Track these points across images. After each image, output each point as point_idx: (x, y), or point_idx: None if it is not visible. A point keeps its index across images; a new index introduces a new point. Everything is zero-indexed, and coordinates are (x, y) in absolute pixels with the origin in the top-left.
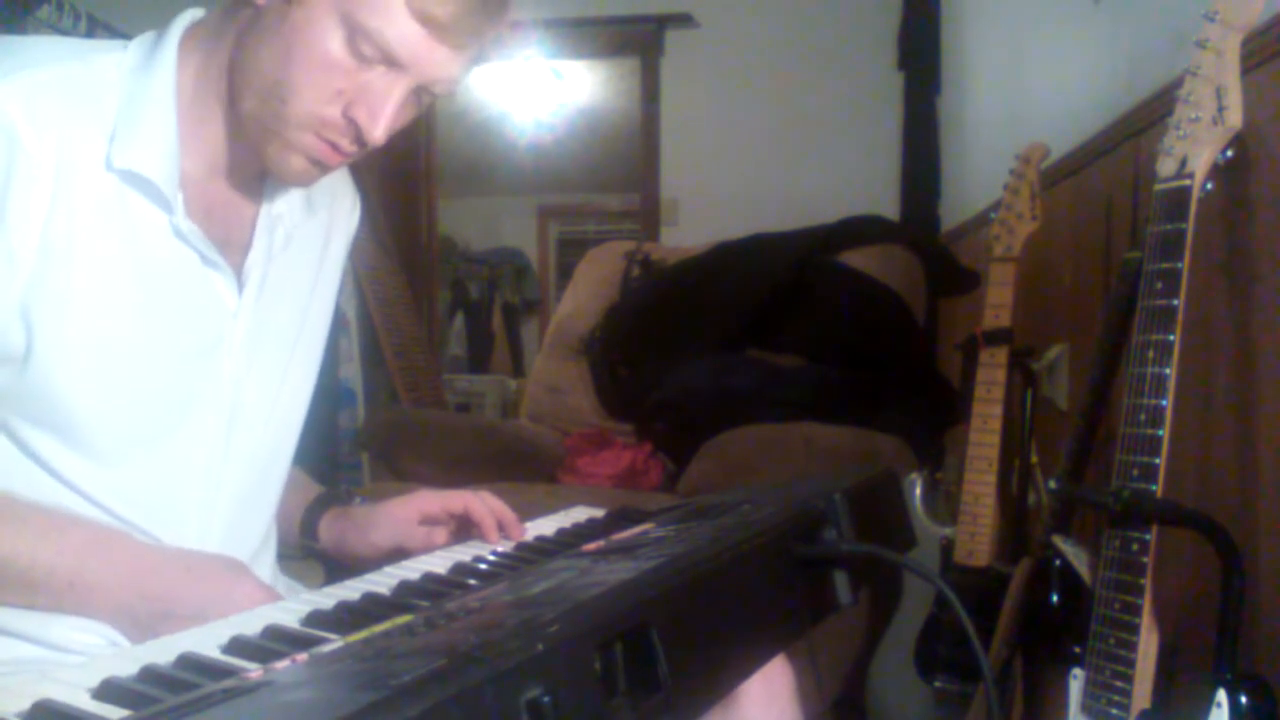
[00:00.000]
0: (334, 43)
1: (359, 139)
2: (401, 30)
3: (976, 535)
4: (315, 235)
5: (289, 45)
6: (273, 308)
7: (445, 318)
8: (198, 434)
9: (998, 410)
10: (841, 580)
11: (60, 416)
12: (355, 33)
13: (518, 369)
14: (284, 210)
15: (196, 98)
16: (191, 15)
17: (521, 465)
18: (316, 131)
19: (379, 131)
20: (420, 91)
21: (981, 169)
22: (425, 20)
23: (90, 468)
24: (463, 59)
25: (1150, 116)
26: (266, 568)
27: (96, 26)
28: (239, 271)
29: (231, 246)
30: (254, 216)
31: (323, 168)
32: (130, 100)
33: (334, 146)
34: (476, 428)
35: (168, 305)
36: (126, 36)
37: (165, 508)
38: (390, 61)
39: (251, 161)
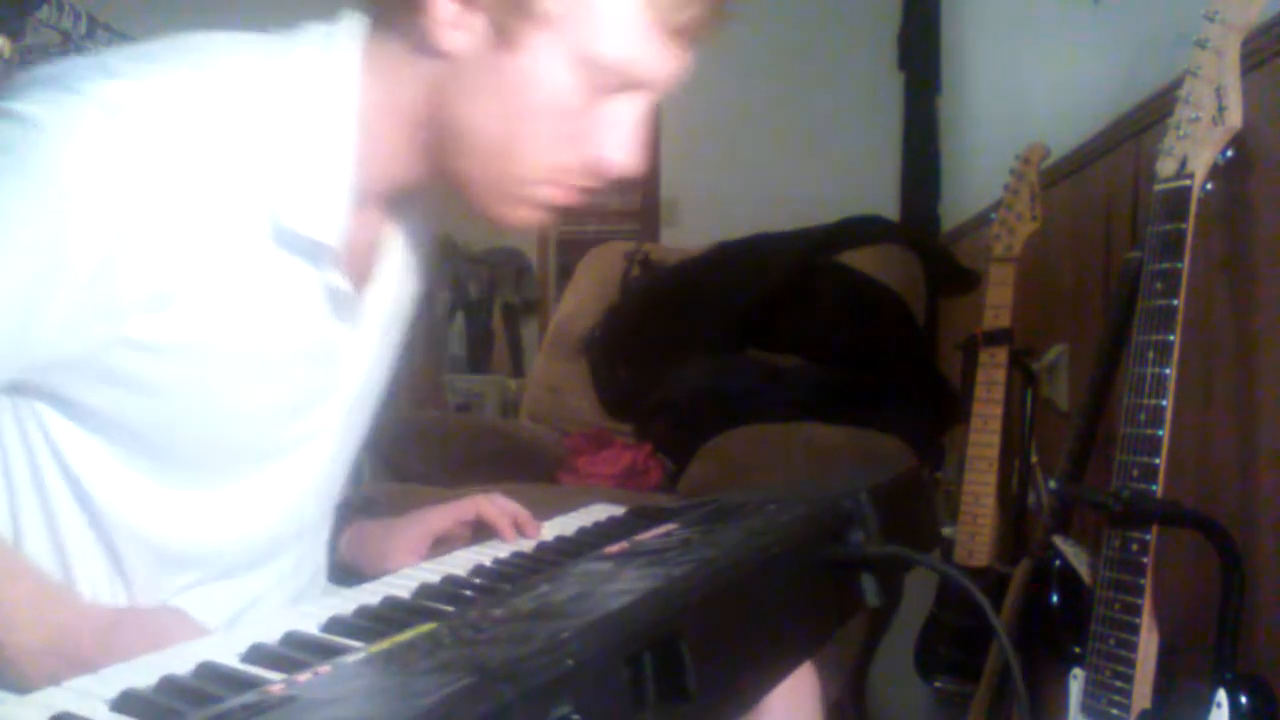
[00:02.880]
0: (568, 86)
1: (600, 174)
2: (647, 49)
3: (976, 535)
4: (407, 259)
5: (513, 99)
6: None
7: (445, 318)
8: (291, 478)
9: (998, 410)
10: (869, 582)
11: (162, 446)
12: (593, 69)
13: (518, 369)
14: (394, 245)
15: (366, 146)
16: (361, 32)
17: (521, 465)
18: (555, 181)
19: (634, 160)
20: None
21: (981, 169)
22: (672, 32)
23: (174, 494)
24: (692, 55)
25: (1150, 116)
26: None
27: (97, 26)
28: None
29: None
30: (373, 251)
31: (557, 212)
32: (300, 143)
33: (575, 190)
34: (476, 428)
35: (293, 355)
36: (127, 37)
37: (249, 540)
38: (633, 86)
39: (400, 202)
